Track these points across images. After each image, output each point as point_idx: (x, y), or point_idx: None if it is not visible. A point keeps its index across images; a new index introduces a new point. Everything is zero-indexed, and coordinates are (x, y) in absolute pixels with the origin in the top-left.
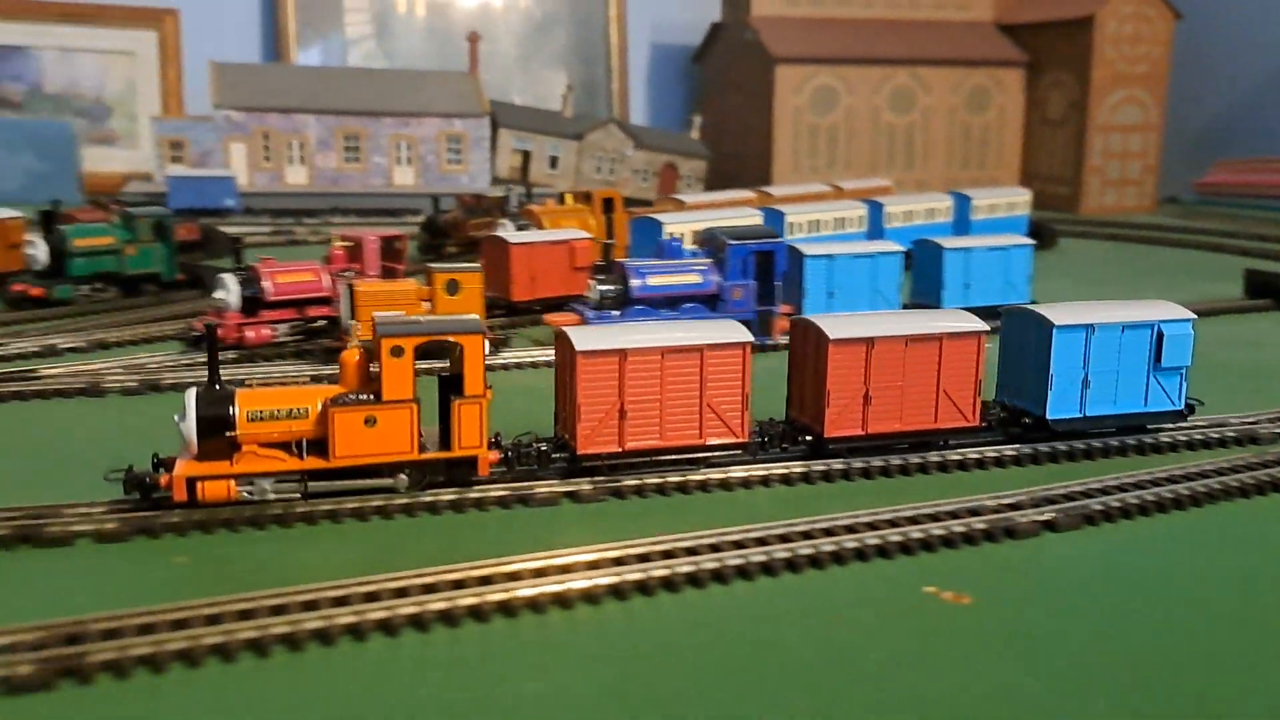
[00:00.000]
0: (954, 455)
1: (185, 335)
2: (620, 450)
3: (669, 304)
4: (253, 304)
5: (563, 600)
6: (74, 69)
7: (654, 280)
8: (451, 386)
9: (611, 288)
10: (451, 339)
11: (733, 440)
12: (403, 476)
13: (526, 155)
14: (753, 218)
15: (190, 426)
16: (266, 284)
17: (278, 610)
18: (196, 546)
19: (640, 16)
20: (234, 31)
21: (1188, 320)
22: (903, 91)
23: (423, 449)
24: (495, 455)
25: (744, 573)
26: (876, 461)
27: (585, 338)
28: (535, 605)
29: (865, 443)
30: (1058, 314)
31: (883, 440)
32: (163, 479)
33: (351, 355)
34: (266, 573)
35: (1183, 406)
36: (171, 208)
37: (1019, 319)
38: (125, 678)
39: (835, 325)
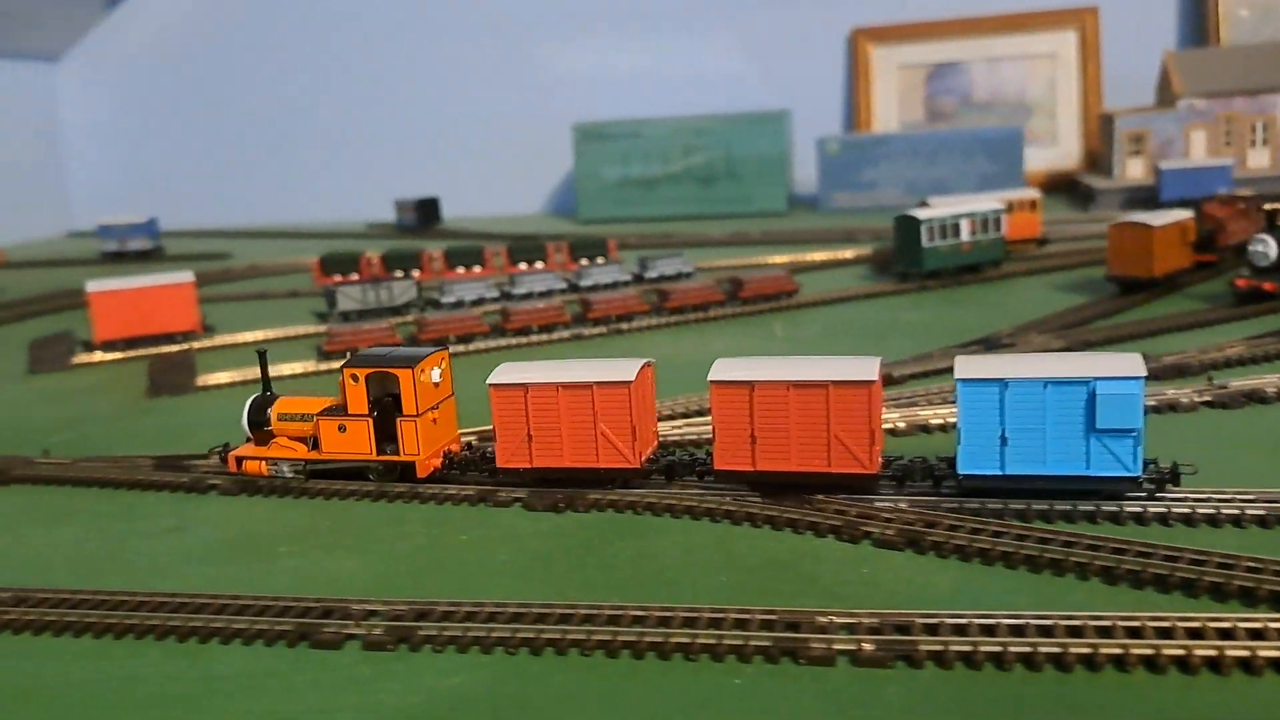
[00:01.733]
0: None
1: None
2: None
3: None
4: None
5: None
6: (998, 77)
7: None
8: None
9: None
10: (390, 371)
11: None
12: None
13: None
14: None
15: (244, 421)
16: None
17: None
18: None
19: None
20: (1149, 20)
21: (1133, 379)
22: None
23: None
24: (436, 463)
25: None
26: None
27: None
28: None
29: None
30: (971, 367)
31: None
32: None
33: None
34: None
35: (1139, 473)
36: (1164, 199)
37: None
38: None
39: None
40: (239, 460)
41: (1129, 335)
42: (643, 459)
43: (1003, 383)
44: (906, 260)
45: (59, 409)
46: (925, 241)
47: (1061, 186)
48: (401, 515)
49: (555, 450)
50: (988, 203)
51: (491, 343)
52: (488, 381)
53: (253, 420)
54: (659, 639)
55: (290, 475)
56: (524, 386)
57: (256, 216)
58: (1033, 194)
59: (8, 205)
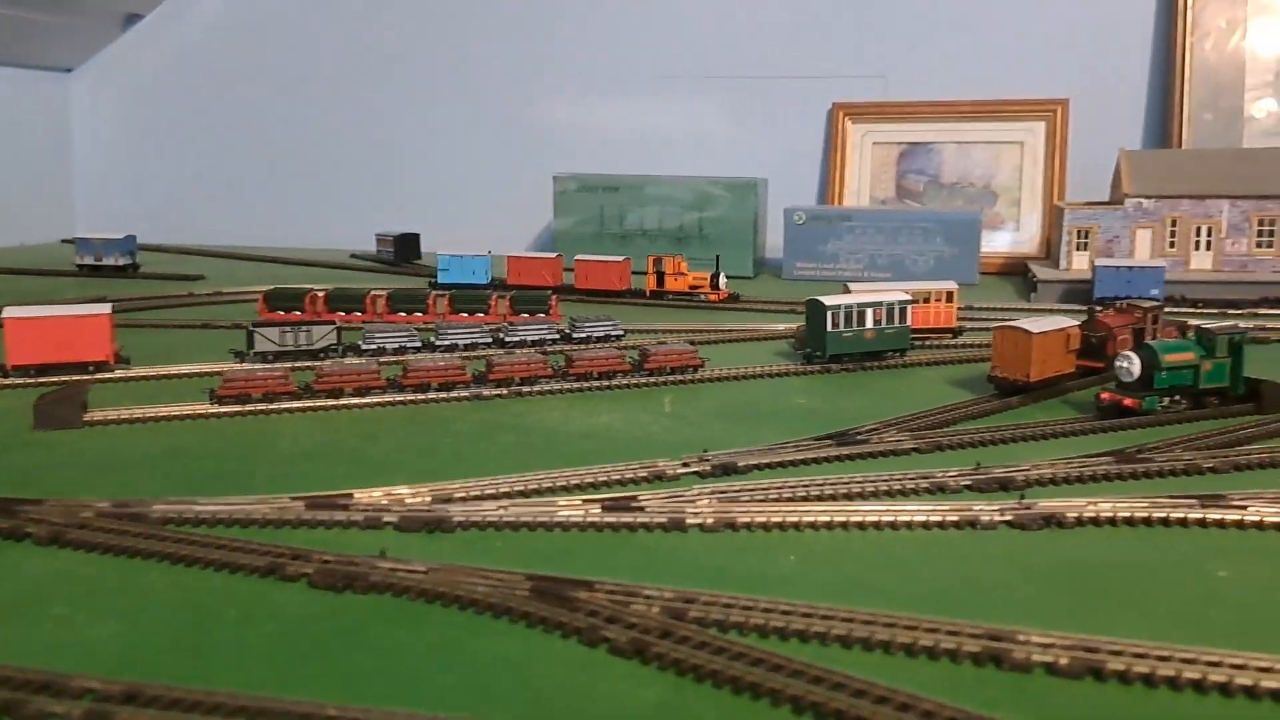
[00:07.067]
0: None
1: None
2: None
3: None
4: None
5: None
6: (968, 160)
7: None
8: None
9: None
10: None
11: None
12: None
13: None
14: None
15: None
16: None
17: None
18: None
19: None
20: (1117, 117)
21: None
22: None
23: None
24: None
25: None
26: None
27: None
28: None
29: None
30: None
31: None
32: None
33: None
34: None
35: None
36: (1097, 296)
37: None
38: None
39: None
40: None
41: (980, 441)
42: None
43: None
44: (813, 343)
45: None
46: (830, 327)
47: (1019, 273)
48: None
49: None
50: (895, 294)
51: (387, 397)
52: None
53: None
54: None
55: None
56: None
57: (249, 238)
58: (950, 286)
59: (15, 208)
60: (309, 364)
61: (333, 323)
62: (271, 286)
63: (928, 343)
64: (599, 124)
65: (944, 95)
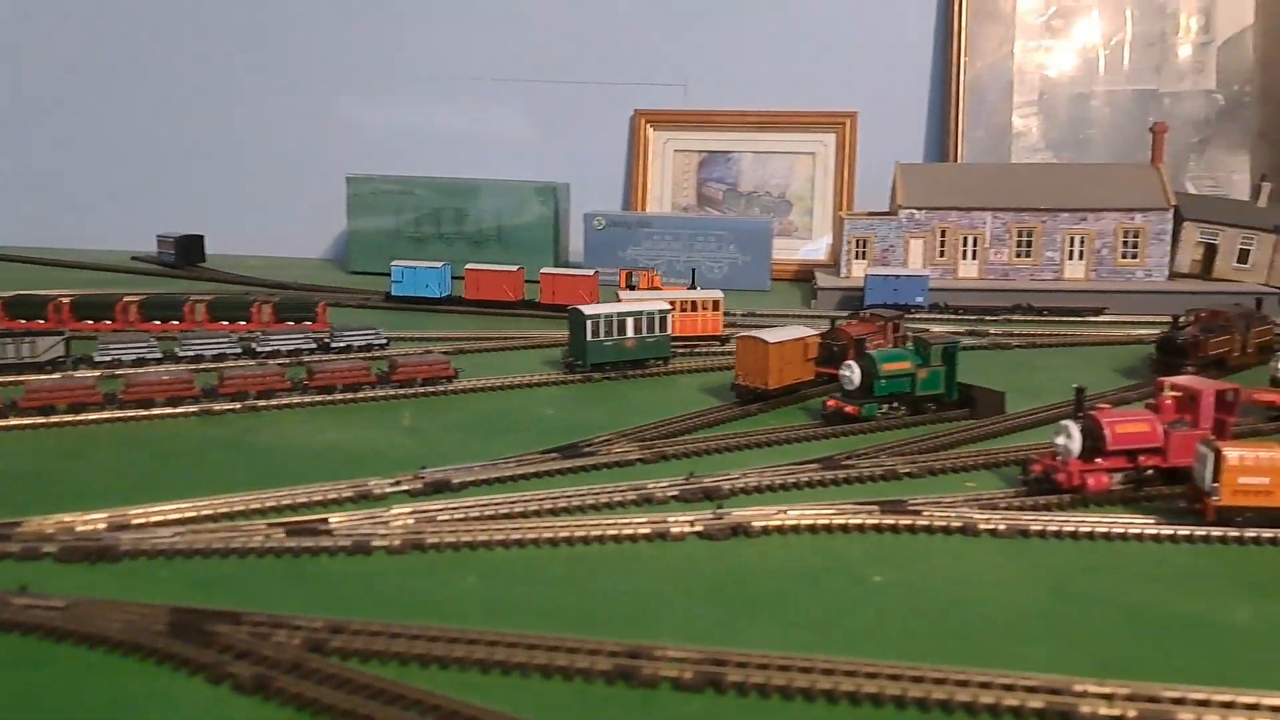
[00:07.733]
0: None
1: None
2: None
3: None
4: (1092, 451)
5: None
6: (765, 170)
7: None
8: None
9: None
10: None
11: None
12: None
13: (1211, 249)
14: None
15: None
16: (1107, 433)
17: None
18: None
19: None
20: (901, 130)
21: None
22: None
23: None
24: None
25: None
26: None
27: None
28: None
29: None
30: None
31: None
32: None
33: None
34: None
35: None
36: (868, 303)
37: None
38: None
39: None
40: None
41: (704, 450)
42: None
43: None
44: (575, 353)
45: None
46: (590, 336)
47: (810, 280)
48: None
49: None
50: (656, 302)
51: (105, 414)
52: None
53: None
54: None
55: None
56: None
57: (19, 238)
58: (716, 294)
59: None
60: (30, 378)
61: (61, 332)
62: (13, 293)
63: (695, 350)
64: (398, 125)
65: (742, 105)
